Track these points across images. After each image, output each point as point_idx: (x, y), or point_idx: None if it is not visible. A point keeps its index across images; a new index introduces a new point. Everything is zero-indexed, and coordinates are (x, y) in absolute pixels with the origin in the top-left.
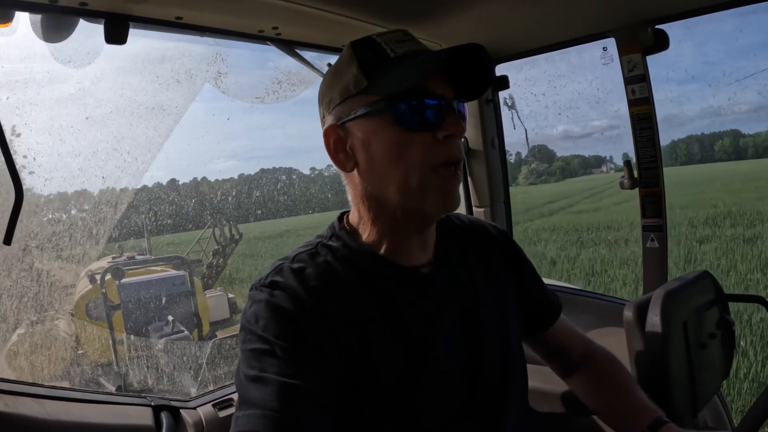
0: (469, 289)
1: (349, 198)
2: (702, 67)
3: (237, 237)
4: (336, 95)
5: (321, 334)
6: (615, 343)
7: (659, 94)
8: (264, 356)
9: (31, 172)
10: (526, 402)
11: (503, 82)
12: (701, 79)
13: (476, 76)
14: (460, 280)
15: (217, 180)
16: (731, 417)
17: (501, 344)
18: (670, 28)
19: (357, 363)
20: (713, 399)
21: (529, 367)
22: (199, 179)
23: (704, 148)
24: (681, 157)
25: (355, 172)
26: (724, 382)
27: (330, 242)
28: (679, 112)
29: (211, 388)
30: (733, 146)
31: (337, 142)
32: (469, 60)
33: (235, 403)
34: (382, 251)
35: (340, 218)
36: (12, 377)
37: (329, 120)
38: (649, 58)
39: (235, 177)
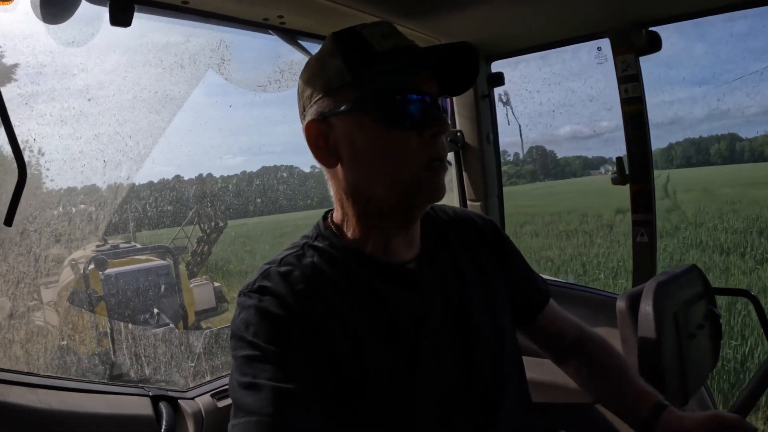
0: (457, 283)
1: (332, 194)
2: (713, 68)
3: (222, 225)
4: (318, 88)
5: (311, 337)
6: (606, 337)
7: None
8: (255, 362)
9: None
10: (525, 393)
11: (498, 79)
12: (711, 81)
13: (462, 73)
14: (447, 274)
15: (222, 176)
16: (717, 406)
17: (493, 337)
18: (683, 29)
19: (349, 364)
20: (701, 389)
21: (528, 359)
22: (204, 175)
23: (700, 152)
24: (677, 160)
25: (338, 167)
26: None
27: (316, 242)
28: (687, 114)
29: (208, 378)
30: (729, 150)
31: (319, 137)
32: (456, 57)
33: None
34: (368, 249)
35: (325, 217)
36: None
37: (310, 114)
38: (665, 59)
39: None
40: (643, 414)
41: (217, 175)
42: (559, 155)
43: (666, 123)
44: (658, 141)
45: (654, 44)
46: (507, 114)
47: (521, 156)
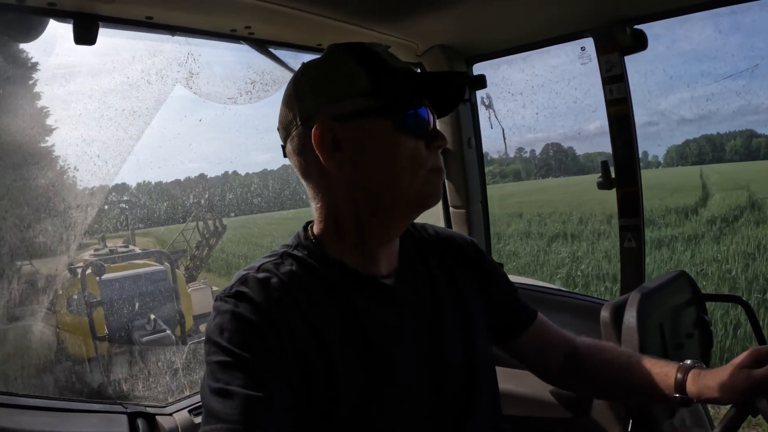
0: (432, 301)
1: (317, 205)
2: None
3: (221, 230)
4: (330, 92)
5: (285, 345)
6: None
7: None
8: (229, 369)
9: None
10: (497, 409)
11: (480, 82)
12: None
13: (447, 98)
14: (423, 292)
15: (247, 173)
16: (709, 414)
17: (465, 357)
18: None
19: (319, 376)
20: None
21: (507, 370)
22: (230, 172)
23: (716, 148)
24: (691, 157)
25: (340, 172)
26: None
27: (295, 251)
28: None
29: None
30: (744, 146)
31: (328, 138)
32: (454, 84)
33: None
34: (346, 261)
35: (306, 227)
36: None
37: (319, 119)
38: (694, 51)
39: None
40: (670, 393)
41: (242, 172)
42: (589, 150)
43: (697, 118)
44: (684, 136)
45: (639, 43)
46: (490, 117)
47: (537, 154)
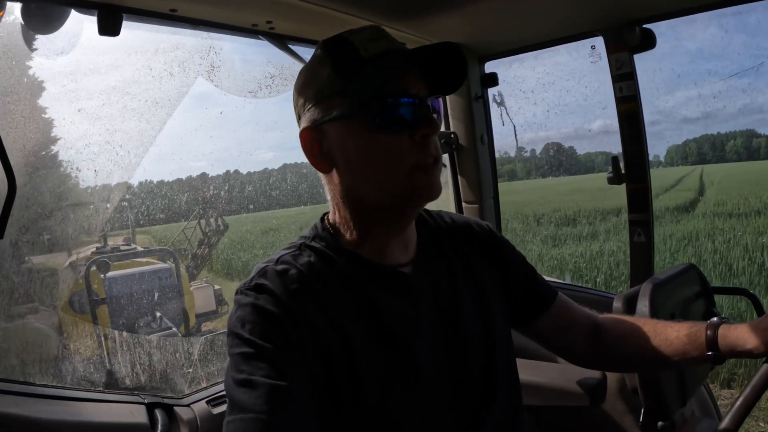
0: (450, 290)
1: (329, 198)
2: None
3: (222, 228)
4: (310, 97)
5: (304, 337)
6: None
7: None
8: (252, 360)
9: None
10: (517, 396)
11: (492, 79)
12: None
13: (451, 72)
14: (440, 281)
15: (249, 172)
16: (717, 405)
17: (484, 344)
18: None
19: (340, 366)
20: (700, 389)
21: (524, 361)
22: (231, 171)
23: (716, 148)
24: (691, 156)
25: (333, 173)
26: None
27: (313, 243)
28: (722, 108)
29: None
30: (745, 146)
31: (313, 144)
32: (443, 57)
33: None
34: (363, 251)
35: (322, 218)
36: None
37: (304, 122)
38: (700, 50)
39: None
40: (702, 353)
41: (244, 171)
42: (590, 150)
43: (701, 118)
44: (688, 135)
45: (648, 42)
46: (501, 114)
47: (538, 153)
